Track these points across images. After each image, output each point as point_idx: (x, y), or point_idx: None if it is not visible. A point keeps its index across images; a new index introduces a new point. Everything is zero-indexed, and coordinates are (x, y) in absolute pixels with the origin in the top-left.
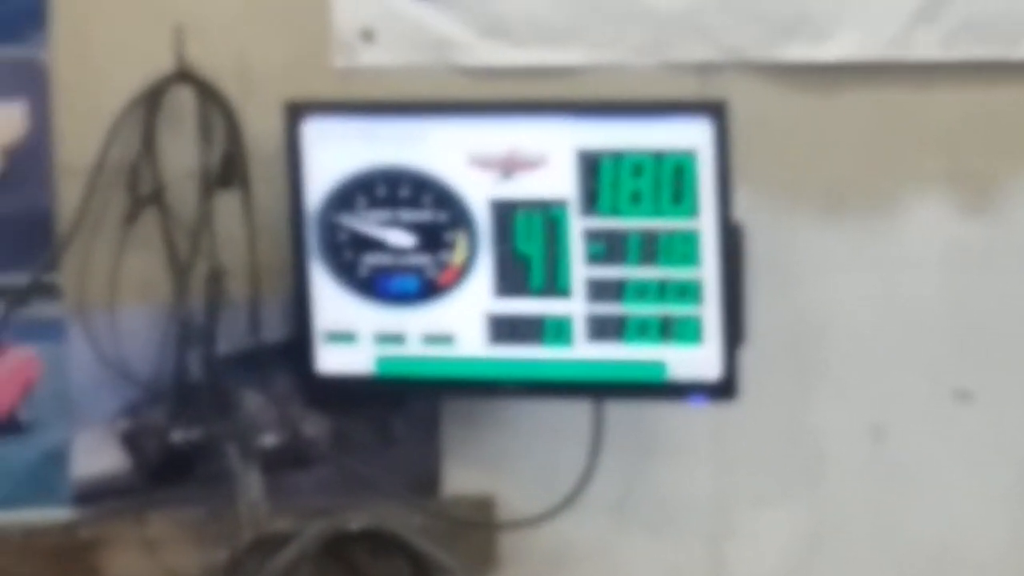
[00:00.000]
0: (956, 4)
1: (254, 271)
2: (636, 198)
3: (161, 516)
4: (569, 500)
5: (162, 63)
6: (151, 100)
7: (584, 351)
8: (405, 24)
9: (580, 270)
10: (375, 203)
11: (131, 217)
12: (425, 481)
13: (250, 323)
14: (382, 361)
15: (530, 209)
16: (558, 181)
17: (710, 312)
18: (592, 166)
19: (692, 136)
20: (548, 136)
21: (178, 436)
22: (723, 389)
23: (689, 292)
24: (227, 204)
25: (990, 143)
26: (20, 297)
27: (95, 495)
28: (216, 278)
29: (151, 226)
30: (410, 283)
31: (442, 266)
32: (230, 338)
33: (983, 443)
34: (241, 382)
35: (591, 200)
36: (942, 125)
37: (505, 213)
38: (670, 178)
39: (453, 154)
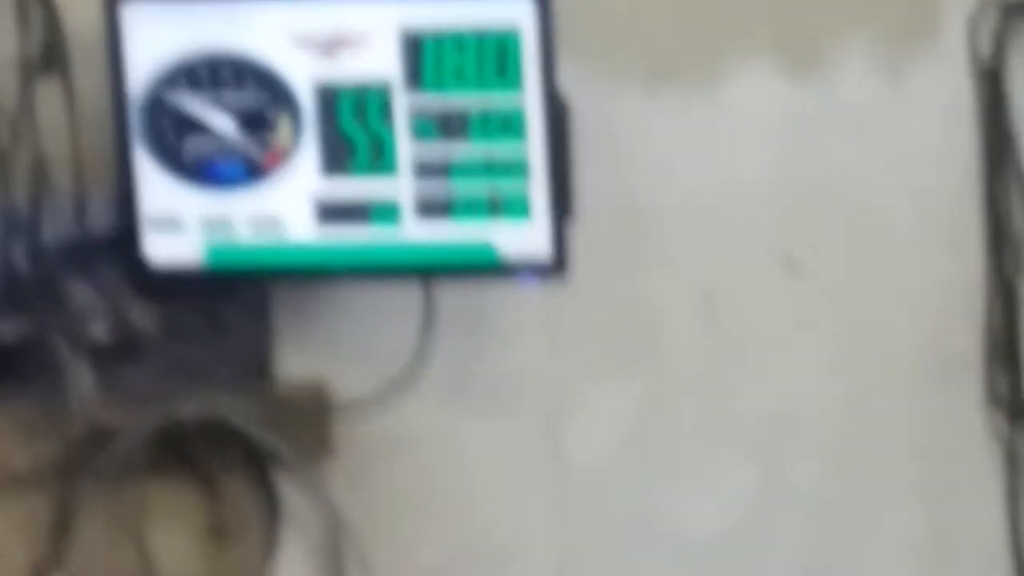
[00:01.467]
0: None
1: (78, 160)
2: (460, 75)
3: None
4: (403, 384)
5: None
6: None
7: (412, 231)
8: None
9: (406, 148)
10: (198, 87)
11: None
12: (257, 368)
13: (76, 213)
14: (211, 249)
15: (354, 89)
16: (381, 60)
17: (537, 188)
18: (415, 44)
19: (515, 12)
20: (370, 15)
21: (5, 330)
22: (553, 267)
23: (515, 168)
24: (49, 92)
25: (815, 8)
26: None
27: None
28: (39, 167)
29: None
30: (235, 167)
31: (266, 148)
32: (56, 229)
33: (813, 310)
34: (68, 273)
35: (415, 78)
36: None
37: (329, 93)
38: (493, 54)
39: (275, 35)
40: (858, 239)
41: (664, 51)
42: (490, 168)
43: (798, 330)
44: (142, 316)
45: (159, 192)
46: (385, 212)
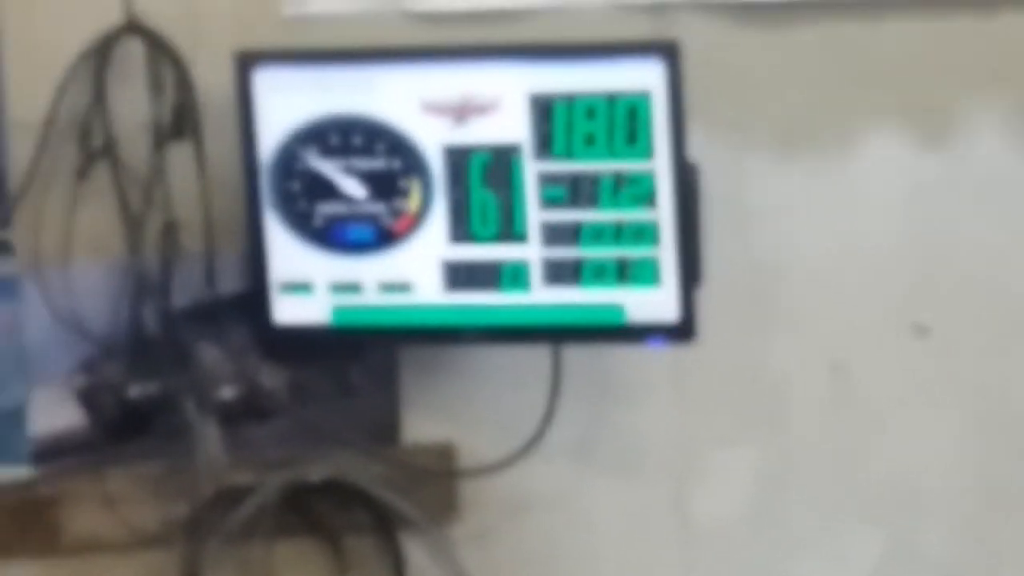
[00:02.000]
0: None
1: (208, 223)
2: (590, 141)
3: (120, 472)
4: (529, 446)
5: (111, 15)
6: (100, 53)
7: (541, 296)
8: None
9: (535, 214)
10: (328, 152)
11: (83, 171)
12: (384, 430)
13: (205, 276)
14: (338, 311)
15: (484, 154)
16: (511, 125)
17: (667, 254)
18: (545, 109)
19: (645, 77)
20: (500, 80)
21: (135, 391)
22: (681, 331)
23: (645, 234)
24: (180, 156)
25: (943, 76)
26: None
27: (53, 453)
28: (170, 231)
29: (103, 180)
30: (365, 232)
31: (397, 214)
32: (186, 291)
33: (941, 379)
34: (197, 335)
35: (545, 144)
36: (895, 59)
37: (459, 159)
38: (624, 120)
39: (405, 101)
40: (986, 307)
41: (793, 117)
42: (619, 234)
43: (926, 397)
44: (270, 378)
45: (288, 255)
46: (514, 277)
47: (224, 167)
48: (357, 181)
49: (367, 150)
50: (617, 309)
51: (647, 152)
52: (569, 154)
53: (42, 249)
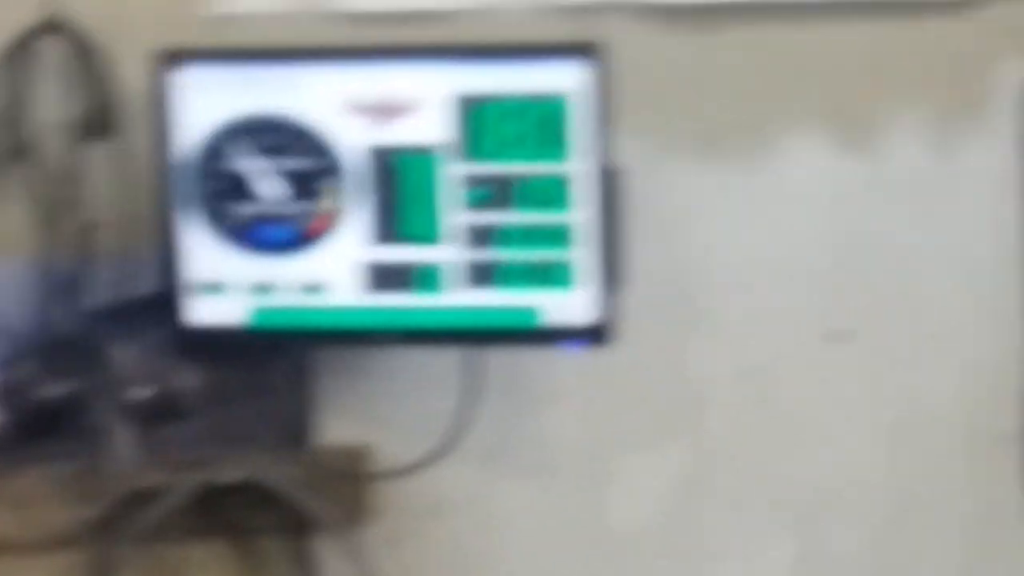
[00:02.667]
0: None
1: (125, 222)
2: (510, 143)
3: (30, 472)
4: (443, 449)
5: (30, 12)
6: (19, 49)
7: (455, 298)
8: None
9: (456, 216)
10: (248, 151)
11: None
12: (298, 432)
13: (121, 275)
14: (256, 312)
15: (404, 155)
16: (433, 126)
17: (583, 256)
18: (466, 111)
19: (565, 79)
20: (423, 81)
21: (47, 391)
22: (597, 334)
23: (560, 236)
24: (98, 155)
25: (865, 80)
26: None
27: None
28: (87, 230)
29: (19, 179)
30: (283, 232)
31: (314, 215)
32: (103, 292)
33: (861, 383)
34: (111, 335)
35: (464, 145)
36: (818, 63)
37: (380, 160)
38: (543, 122)
39: (328, 101)
40: (904, 312)
41: (716, 120)
42: (533, 236)
43: (841, 402)
44: (184, 379)
45: (205, 255)
46: (428, 279)
47: (142, 165)
48: (277, 181)
49: (288, 150)
50: (531, 311)
51: (568, 154)
52: (489, 156)
53: None
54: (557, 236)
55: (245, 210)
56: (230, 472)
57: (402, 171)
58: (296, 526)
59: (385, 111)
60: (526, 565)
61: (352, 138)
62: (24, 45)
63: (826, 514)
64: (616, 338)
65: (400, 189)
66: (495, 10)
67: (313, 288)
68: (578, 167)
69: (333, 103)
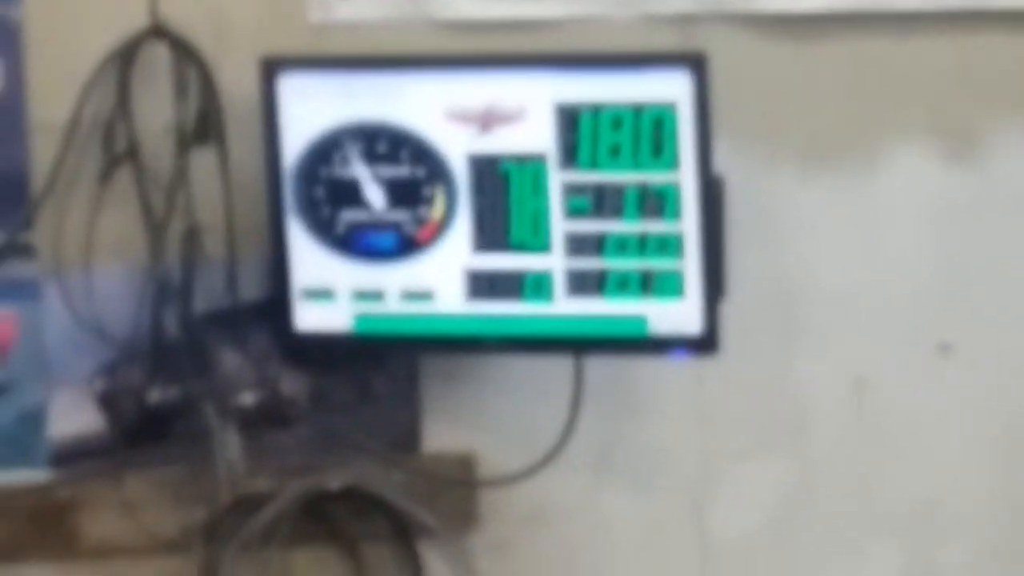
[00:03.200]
0: None
1: (231, 229)
2: (615, 151)
3: (138, 477)
4: (549, 457)
5: (137, 19)
6: (126, 56)
7: (564, 306)
8: None
9: (559, 225)
10: (352, 159)
11: (106, 175)
12: (405, 439)
13: (227, 281)
14: (360, 319)
15: (509, 163)
16: (537, 135)
17: (691, 266)
18: (571, 120)
19: (671, 88)
20: (526, 89)
21: (155, 396)
22: (704, 343)
23: (670, 246)
24: (203, 161)
25: (971, 93)
26: None
27: (72, 456)
28: (192, 236)
29: (126, 184)
30: (388, 240)
31: (420, 222)
32: (207, 297)
33: (965, 396)
34: (218, 341)
35: (570, 154)
36: (923, 75)
37: (483, 168)
38: (650, 131)
39: (431, 109)
40: (1010, 325)
41: (821, 132)
42: (644, 245)
43: (949, 415)
44: (291, 385)
45: (311, 262)
46: (537, 287)
47: (248, 173)
48: (381, 188)
49: (392, 157)
50: (640, 320)
51: (672, 163)
52: (594, 165)
53: (64, 252)
54: (665, 245)
55: (351, 217)
56: (337, 478)
57: (507, 179)
58: (402, 533)
59: (489, 119)
60: (629, 572)
61: (456, 146)
62: (130, 51)
63: (930, 526)
64: (721, 348)
65: (505, 197)
66: (598, 19)
67: (419, 295)
68: (683, 176)
69: (436, 111)
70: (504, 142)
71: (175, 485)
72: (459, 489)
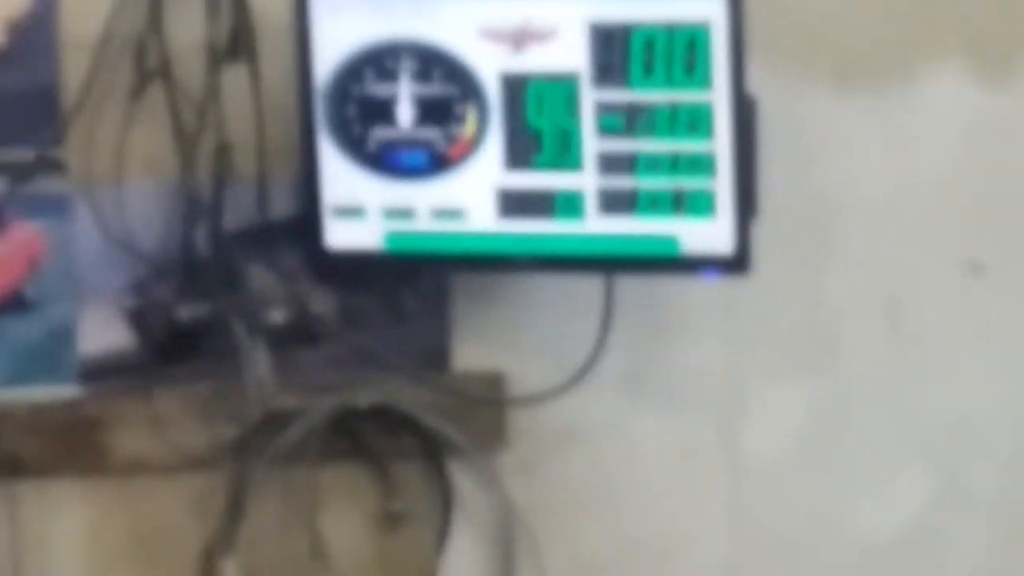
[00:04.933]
0: None
1: (261, 146)
2: (648, 70)
3: (168, 393)
4: (580, 376)
5: None
6: None
7: (596, 225)
8: None
9: (592, 143)
10: (384, 76)
11: (137, 91)
12: (434, 357)
13: (258, 198)
14: (391, 236)
15: (541, 82)
16: (569, 54)
17: (723, 185)
18: (604, 38)
19: (706, 8)
20: (560, 8)
21: (185, 312)
22: (736, 263)
23: (702, 165)
24: (235, 78)
25: (1007, 13)
26: (25, 172)
27: (101, 372)
28: (223, 152)
29: (158, 100)
30: (419, 157)
31: (452, 140)
32: (238, 214)
33: (998, 315)
34: (248, 258)
35: (603, 73)
36: None
37: (516, 86)
38: (683, 50)
39: (463, 27)
40: None
41: (855, 52)
42: (676, 164)
43: (981, 335)
44: (321, 302)
45: (342, 180)
46: (569, 206)
47: (279, 90)
48: (412, 106)
49: (424, 75)
50: (671, 240)
51: (706, 83)
52: (627, 83)
53: (95, 168)
54: (697, 164)
55: (382, 135)
56: (366, 396)
57: (539, 97)
58: (431, 451)
59: (521, 37)
60: (660, 493)
61: (488, 64)
62: None
63: (964, 448)
64: (753, 268)
65: (537, 116)
66: None
67: (450, 213)
68: (716, 96)
69: (469, 29)
70: (537, 60)
71: (204, 402)
72: (488, 408)
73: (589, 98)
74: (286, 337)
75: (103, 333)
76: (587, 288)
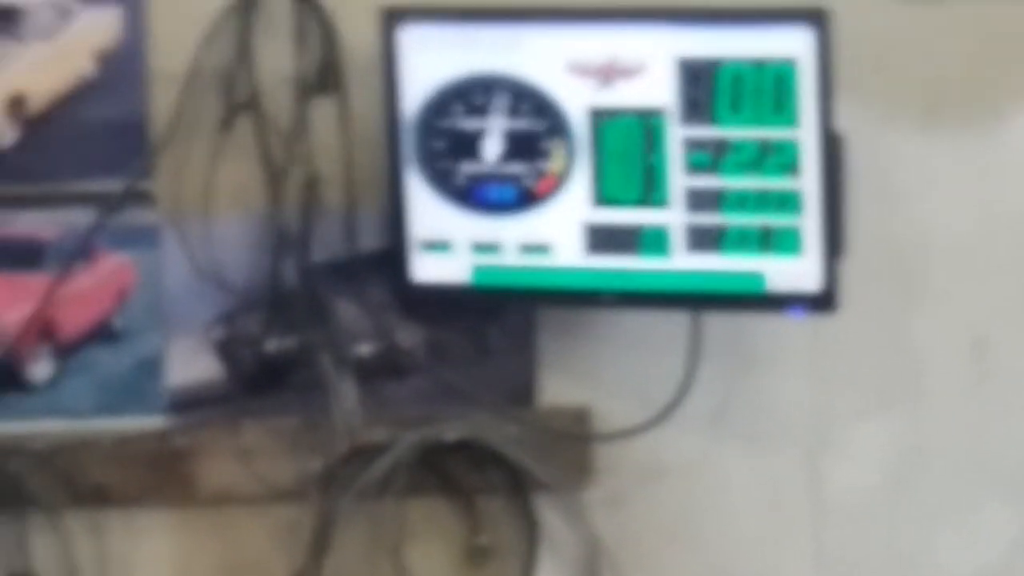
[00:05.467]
0: None
1: (349, 179)
2: (736, 107)
3: (255, 425)
4: (665, 412)
5: None
6: (247, 4)
7: (682, 262)
8: None
9: (679, 179)
10: (472, 111)
11: (226, 123)
12: (520, 392)
13: (345, 231)
14: (478, 271)
15: (629, 118)
16: (657, 89)
17: (810, 223)
18: (692, 74)
19: (794, 44)
20: (648, 44)
21: (272, 345)
22: (822, 301)
23: (789, 202)
24: (323, 111)
25: None
26: (114, 204)
27: (189, 404)
28: (311, 185)
29: (246, 133)
30: (507, 192)
31: (539, 175)
32: (325, 247)
33: None
34: (336, 291)
35: (691, 109)
36: None
37: (603, 122)
38: (771, 87)
39: (552, 61)
40: None
41: (941, 90)
42: (763, 202)
43: None
44: (408, 336)
45: (429, 213)
46: (655, 242)
47: (367, 123)
48: (500, 140)
49: (512, 110)
50: (758, 277)
51: (793, 120)
52: (715, 120)
53: (184, 200)
54: (785, 202)
55: (469, 169)
56: (452, 430)
57: (626, 133)
58: (517, 486)
59: (609, 72)
60: (745, 529)
61: (575, 99)
62: (252, 1)
63: None
64: (839, 306)
65: (624, 151)
66: None
67: (537, 248)
68: (804, 133)
69: (556, 63)
70: (624, 96)
71: (292, 434)
72: (574, 443)
73: (676, 134)
74: (373, 370)
75: (191, 365)
76: (673, 324)
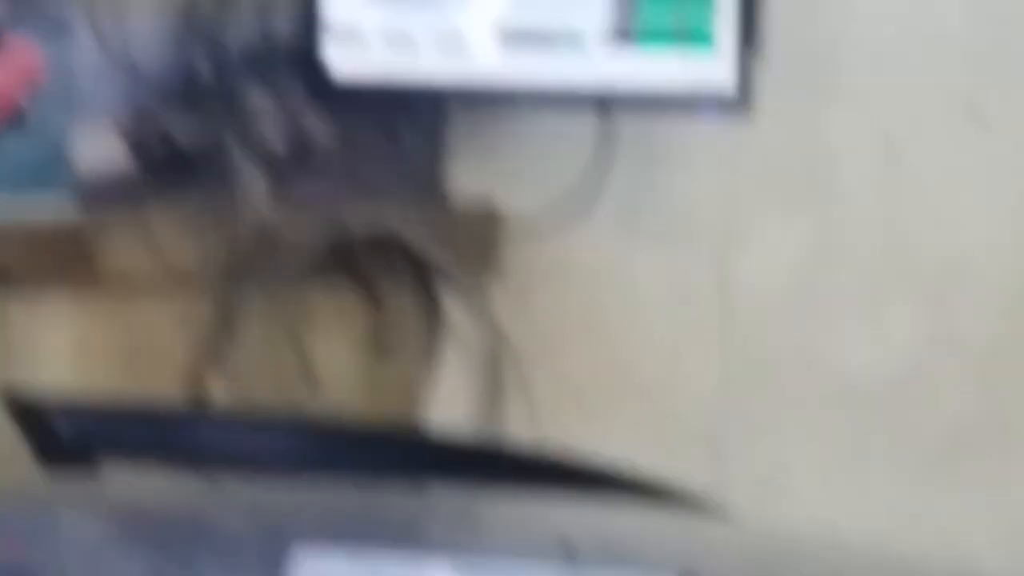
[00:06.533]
0: None
1: None
2: None
3: (162, 213)
4: (574, 208)
5: None
6: None
7: (597, 57)
8: None
9: None
10: None
11: None
12: (430, 187)
13: (259, 20)
14: (393, 64)
15: None
16: None
17: (724, 18)
18: None
19: None
20: None
21: (182, 134)
22: (736, 101)
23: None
24: None
25: None
26: None
27: (97, 191)
28: None
29: None
30: None
31: None
32: (239, 34)
33: (996, 161)
34: (247, 79)
35: None
36: None
37: None
38: None
39: None
40: None
41: None
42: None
43: (978, 178)
44: (318, 127)
45: (343, 3)
46: (570, 37)
47: None
48: None
49: None
50: (671, 76)
51: None
52: None
53: None
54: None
55: None
56: (360, 220)
57: None
58: (424, 281)
59: None
60: (652, 327)
61: None
62: None
63: (957, 292)
64: (752, 106)
65: None
66: None
67: (451, 42)
68: None
69: None
70: None
71: (197, 221)
72: (482, 236)
73: None
74: (281, 161)
75: (99, 151)
76: (585, 123)
